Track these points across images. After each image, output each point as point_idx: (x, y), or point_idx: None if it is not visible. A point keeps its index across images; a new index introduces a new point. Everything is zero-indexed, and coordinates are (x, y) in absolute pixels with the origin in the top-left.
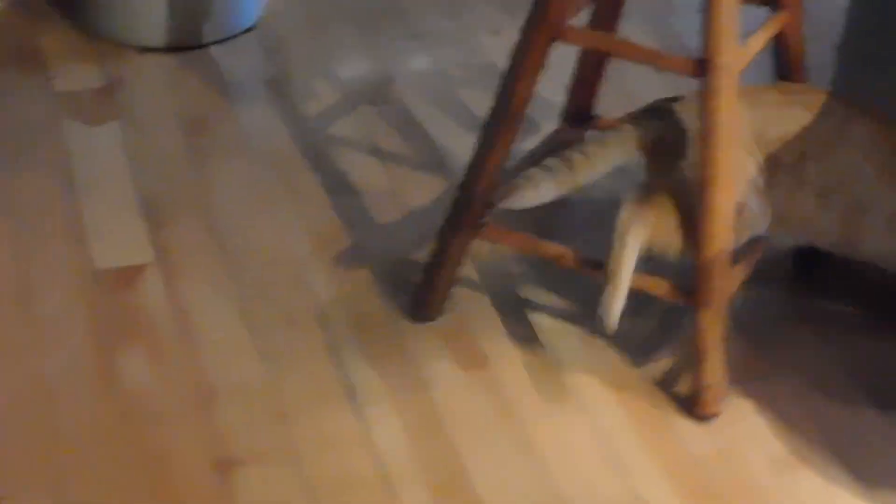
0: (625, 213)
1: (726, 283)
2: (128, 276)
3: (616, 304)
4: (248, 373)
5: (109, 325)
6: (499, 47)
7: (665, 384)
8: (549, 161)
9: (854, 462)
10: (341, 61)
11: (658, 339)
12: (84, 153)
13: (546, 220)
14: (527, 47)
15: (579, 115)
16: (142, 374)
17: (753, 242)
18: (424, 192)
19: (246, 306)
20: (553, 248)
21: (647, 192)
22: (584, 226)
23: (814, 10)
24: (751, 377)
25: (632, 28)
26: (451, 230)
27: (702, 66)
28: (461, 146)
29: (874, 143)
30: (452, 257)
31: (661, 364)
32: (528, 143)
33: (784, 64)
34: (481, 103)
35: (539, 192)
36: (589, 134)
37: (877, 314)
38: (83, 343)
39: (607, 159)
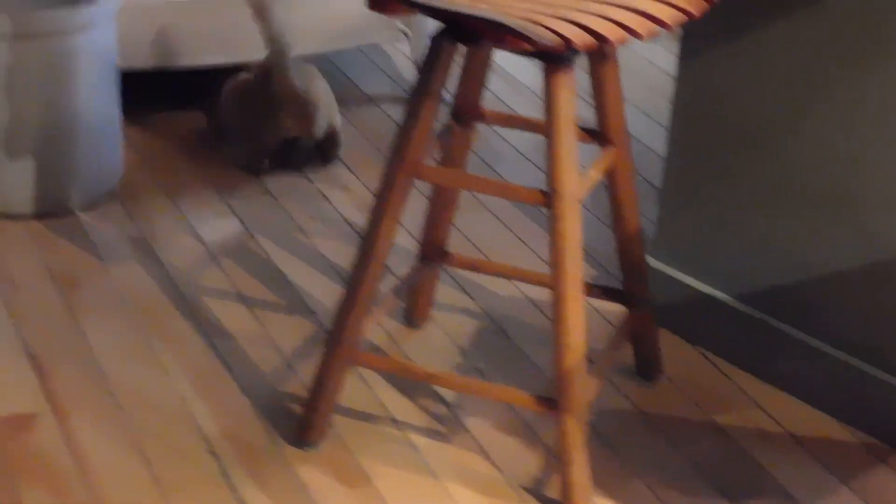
0: None
1: (585, 390)
2: (21, 423)
3: None
4: None
5: (9, 471)
6: (347, 201)
7: (534, 490)
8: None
9: None
10: (200, 218)
11: (523, 448)
12: None
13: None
14: (389, 186)
15: (434, 252)
16: None
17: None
18: (291, 331)
19: (138, 444)
20: (425, 370)
21: None
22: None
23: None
24: (610, 478)
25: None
26: (330, 358)
27: (548, 196)
28: (319, 289)
29: None
30: (332, 383)
31: (530, 470)
32: (383, 286)
33: (615, 195)
34: (335, 250)
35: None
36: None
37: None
38: None
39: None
